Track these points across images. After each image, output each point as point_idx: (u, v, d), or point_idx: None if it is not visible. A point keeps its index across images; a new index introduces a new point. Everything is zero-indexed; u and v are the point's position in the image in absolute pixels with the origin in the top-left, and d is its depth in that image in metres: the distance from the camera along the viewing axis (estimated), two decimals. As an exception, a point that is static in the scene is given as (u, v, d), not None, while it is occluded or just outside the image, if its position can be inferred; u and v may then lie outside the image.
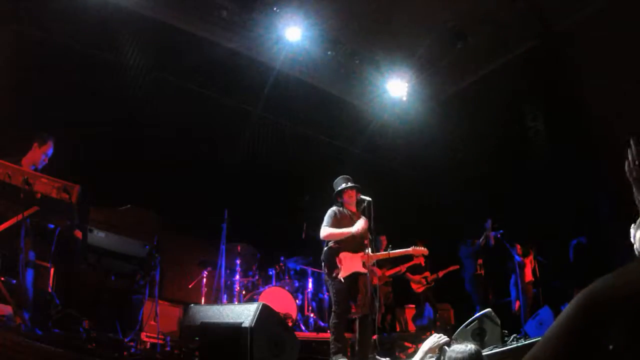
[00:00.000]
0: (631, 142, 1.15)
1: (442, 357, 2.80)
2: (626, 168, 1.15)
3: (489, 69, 8.43)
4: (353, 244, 4.71)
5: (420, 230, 8.36)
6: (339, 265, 4.55)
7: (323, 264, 4.80)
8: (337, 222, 4.77)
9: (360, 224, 4.65)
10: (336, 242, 4.70)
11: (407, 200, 9.48)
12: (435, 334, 3.08)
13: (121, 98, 6.75)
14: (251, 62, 7.85)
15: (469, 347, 2.30)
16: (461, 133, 8.92)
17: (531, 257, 7.58)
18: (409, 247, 5.13)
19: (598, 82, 6.82)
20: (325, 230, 4.73)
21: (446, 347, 2.74)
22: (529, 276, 7.55)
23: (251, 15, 7.22)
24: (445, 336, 3.03)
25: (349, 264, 4.61)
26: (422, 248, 5.16)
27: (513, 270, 7.52)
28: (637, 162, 1.13)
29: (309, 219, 6.98)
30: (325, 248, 4.80)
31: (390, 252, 5.06)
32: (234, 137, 8.12)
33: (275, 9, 7.23)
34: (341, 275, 4.52)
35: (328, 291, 5.33)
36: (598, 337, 0.86)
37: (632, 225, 1.23)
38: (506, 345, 4.13)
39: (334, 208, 4.91)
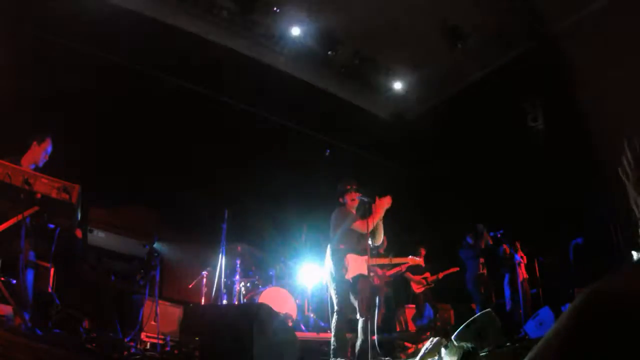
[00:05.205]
0: (626, 145, 1.14)
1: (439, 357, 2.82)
2: (621, 171, 1.15)
3: (489, 69, 8.44)
4: (359, 246, 4.78)
5: (420, 231, 8.36)
6: (347, 266, 4.60)
7: (331, 264, 4.83)
8: (343, 219, 4.86)
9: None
10: (343, 244, 4.77)
11: (407, 201, 9.46)
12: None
13: (121, 98, 6.74)
14: (251, 62, 7.85)
15: (466, 346, 2.34)
16: (461, 133, 8.90)
17: (520, 252, 7.60)
18: (409, 249, 5.28)
19: (598, 81, 6.82)
20: (334, 230, 4.85)
21: (443, 348, 2.77)
22: (522, 274, 7.56)
23: (252, 15, 7.22)
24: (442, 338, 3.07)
25: (355, 266, 4.69)
26: (419, 259, 5.74)
27: (507, 269, 7.57)
28: (632, 165, 1.12)
29: (308, 221, 6.99)
30: (333, 249, 4.85)
31: (392, 258, 5.30)
32: (234, 137, 8.11)
33: (275, 9, 7.22)
34: (348, 276, 4.61)
35: (328, 291, 5.35)
36: (600, 338, 0.86)
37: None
38: (505, 345, 4.14)
39: (338, 208, 5.00)
